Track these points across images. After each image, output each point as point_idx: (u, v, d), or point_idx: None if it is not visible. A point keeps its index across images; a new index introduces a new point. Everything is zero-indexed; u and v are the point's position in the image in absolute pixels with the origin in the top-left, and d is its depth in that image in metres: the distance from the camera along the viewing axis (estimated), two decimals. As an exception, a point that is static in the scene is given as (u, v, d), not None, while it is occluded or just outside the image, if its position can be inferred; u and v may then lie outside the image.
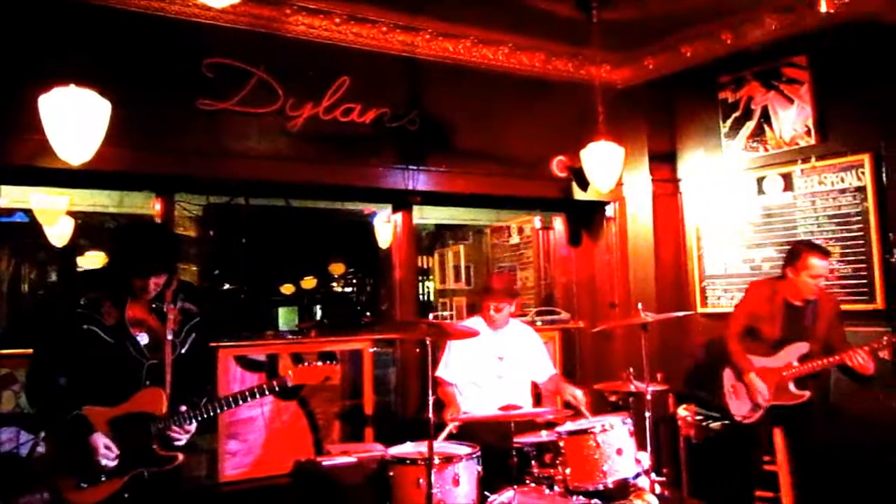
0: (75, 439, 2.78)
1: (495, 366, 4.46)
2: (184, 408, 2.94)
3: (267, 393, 3.16)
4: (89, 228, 7.36)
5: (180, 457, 2.96)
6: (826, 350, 4.23)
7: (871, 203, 4.78)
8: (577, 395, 4.28)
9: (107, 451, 2.79)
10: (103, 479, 2.83)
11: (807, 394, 4.22)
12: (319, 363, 3.30)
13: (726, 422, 4.62)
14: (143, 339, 2.97)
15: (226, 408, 3.09)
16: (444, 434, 3.88)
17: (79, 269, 7.81)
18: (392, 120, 5.01)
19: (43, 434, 3.96)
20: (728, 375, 4.51)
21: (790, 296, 4.36)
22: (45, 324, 3.02)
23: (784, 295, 4.37)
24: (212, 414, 3.01)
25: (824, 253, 4.28)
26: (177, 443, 2.94)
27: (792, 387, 4.24)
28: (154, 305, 3.00)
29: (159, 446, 2.91)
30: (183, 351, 3.03)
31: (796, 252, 4.31)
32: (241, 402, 3.11)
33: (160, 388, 2.93)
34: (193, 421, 2.96)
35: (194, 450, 4.76)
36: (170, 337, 2.99)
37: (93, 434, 2.79)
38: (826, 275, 4.29)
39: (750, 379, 4.33)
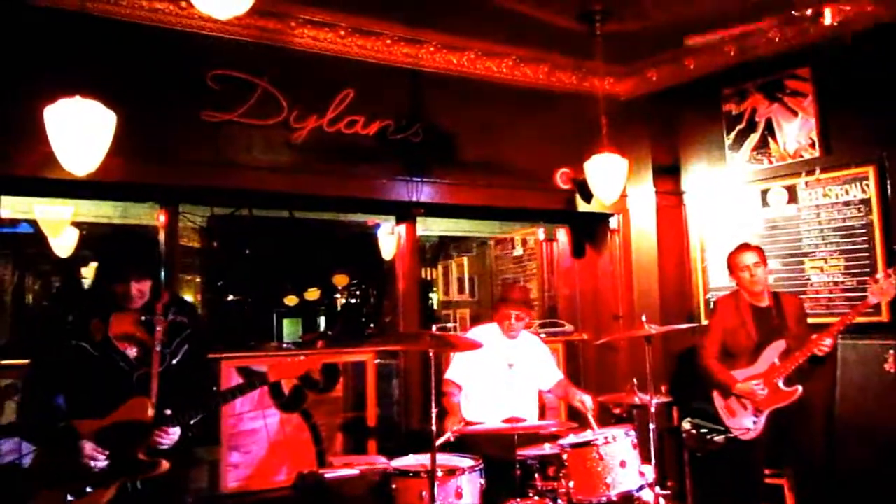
0: (64, 448, 2.80)
1: (506, 373, 4.45)
2: (168, 412, 2.96)
3: (247, 391, 3.18)
4: (94, 239, 7.37)
5: (165, 464, 2.94)
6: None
7: (875, 215, 4.78)
8: (586, 400, 4.25)
9: (94, 453, 2.82)
10: (89, 490, 2.82)
11: (798, 388, 4.24)
12: (301, 358, 3.33)
13: (730, 435, 4.59)
14: (132, 352, 3.00)
15: (206, 411, 3.11)
16: (442, 440, 3.86)
17: (75, 284, 7.82)
18: (396, 132, 5.02)
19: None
20: (717, 398, 4.51)
21: (750, 297, 4.52)
22: (38, 344, 3.08)
23: (745, 299, 4.53)
24: (195, 417, 3.03)
25: (744, 246, 4.57)
26: (160, 447, 2.93)
27: (781, 385, 4.27)
28: (144, 319, 3.03)
29: (144, 453, 2.91)
30: (174, 362, 3.05)
31: (727, 259, 4.62)
32: (221, 403, 3.15)
33: (145, 396, 2.94)
34: (176, 424, 2.96)
35: (195, 461, 4.76)
36: (158, 348, 3.01)
37: (80, 441, 2.81)
38: (756, 262, 4.46)
39: (739, 389, 4.34)
